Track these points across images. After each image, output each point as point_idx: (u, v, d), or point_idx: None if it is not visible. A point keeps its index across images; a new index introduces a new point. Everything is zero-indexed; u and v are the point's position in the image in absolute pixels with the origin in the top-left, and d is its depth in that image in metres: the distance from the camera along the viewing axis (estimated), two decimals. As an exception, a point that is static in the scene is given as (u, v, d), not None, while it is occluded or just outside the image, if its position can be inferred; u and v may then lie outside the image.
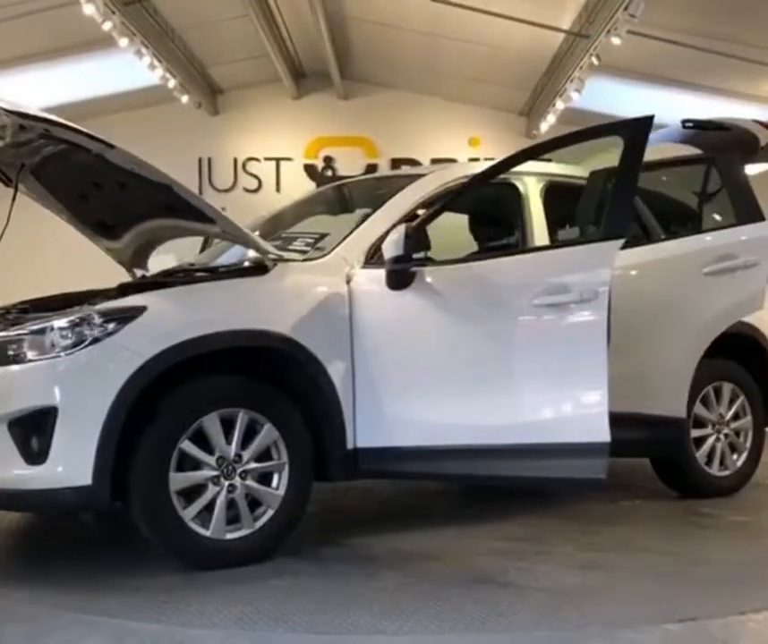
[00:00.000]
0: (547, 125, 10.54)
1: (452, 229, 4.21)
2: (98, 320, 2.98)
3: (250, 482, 3.18)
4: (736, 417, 4.46)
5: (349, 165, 10.68)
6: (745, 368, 4.50)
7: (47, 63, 8.96)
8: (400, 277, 3.33)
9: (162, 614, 2.56)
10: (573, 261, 3.36)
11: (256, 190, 11.11)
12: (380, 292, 3.38)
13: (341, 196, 4.83)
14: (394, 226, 3.44)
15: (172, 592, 2.76)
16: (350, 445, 3.37)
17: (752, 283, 4.02)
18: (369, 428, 3.38)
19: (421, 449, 3.36)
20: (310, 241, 3.97)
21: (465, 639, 2.43)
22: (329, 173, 11.00)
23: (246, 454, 3.17)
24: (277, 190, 11.05)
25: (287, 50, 10.35)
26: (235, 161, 11.12)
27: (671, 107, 9.72)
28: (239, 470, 3.16)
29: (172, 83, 9.68)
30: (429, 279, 3.37)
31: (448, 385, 3.36)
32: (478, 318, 3.39)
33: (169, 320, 3.10)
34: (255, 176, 11.16)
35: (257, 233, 4.43)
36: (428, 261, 3.48)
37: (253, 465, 3.19)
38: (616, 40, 8.11)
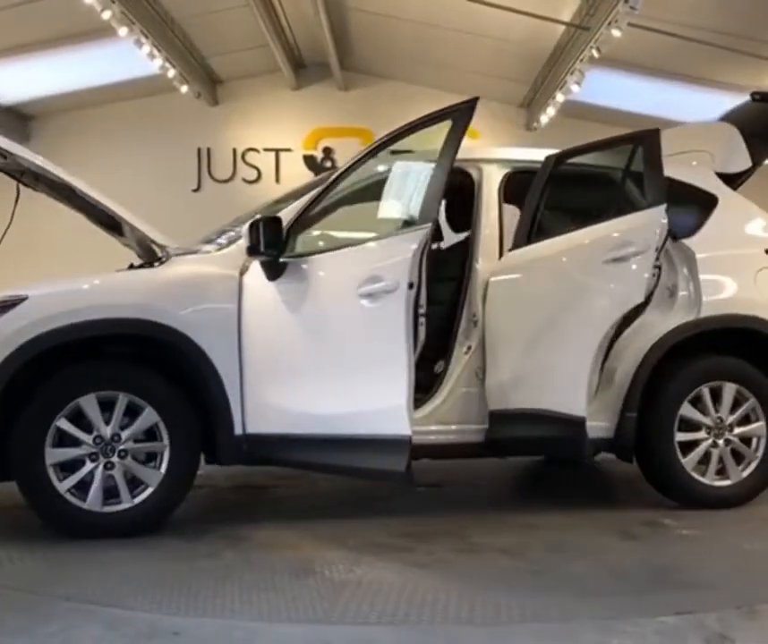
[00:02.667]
0: (547, 118, 10.45)
1: None
2: None
3: (129, 461, 3.32)
4: (744, 421, 3.96)
5: (348, 155, 10.43)
6: (758, 367, 4.00)
7: (47, 51, 9.10)
8: (268, 268, 3.44)
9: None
10: (386, 251, 3.38)
11: (255, 181, 11.19)
12: (264, 283, 3.47)
13: None
14: None
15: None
16: (239, 431, 3.46)
17: (637, 272, 3.56)
18: (257, 415, 3.47)
19: (300, 437, 3.43)
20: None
21: (202, 622, 2.46)
22: (329, 163, 11.05)
23: (125, 434, 3.31)
24: (277, 180, 11.10)
25: (287, 40, 10.41)
26: (235, 151, 11.21)
27: (671, 100, 9.62)
28: (118, 449, 3.30)
29: (171, 73, 9.77)
30: (294, 271, 3.46)
31: (308, 375, 3.43)
32: (322, 309, 3.45)
33: (43, 310, 3.30)
34: (254, 167, 11.24)
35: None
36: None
37: (132, 445, 3.33)
38: (616, 33, 8.04)
